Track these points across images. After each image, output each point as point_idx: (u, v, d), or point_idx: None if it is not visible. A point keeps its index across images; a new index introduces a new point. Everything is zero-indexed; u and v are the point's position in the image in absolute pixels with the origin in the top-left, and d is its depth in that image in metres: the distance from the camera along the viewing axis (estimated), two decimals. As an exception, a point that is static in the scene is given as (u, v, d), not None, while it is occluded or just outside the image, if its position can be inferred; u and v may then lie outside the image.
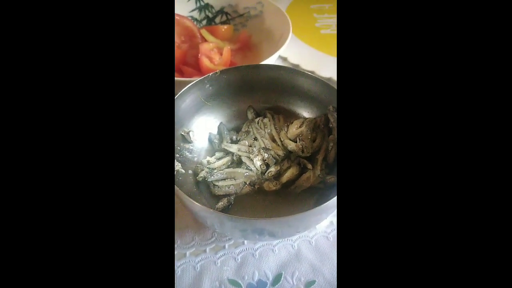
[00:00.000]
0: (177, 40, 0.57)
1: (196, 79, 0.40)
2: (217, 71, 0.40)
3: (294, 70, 0.41)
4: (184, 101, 0.39)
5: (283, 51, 0.54)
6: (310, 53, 0.61)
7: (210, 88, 0.41)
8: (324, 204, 0.28)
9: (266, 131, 0.41)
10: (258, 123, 0.42)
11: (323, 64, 0.57)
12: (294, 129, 0.40)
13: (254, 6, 0.62)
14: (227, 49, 0.50)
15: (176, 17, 0.57)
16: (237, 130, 0.44)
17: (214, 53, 0.52)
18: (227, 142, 0.42)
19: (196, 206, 0.28)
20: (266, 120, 0.42)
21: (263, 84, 0.43)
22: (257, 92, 0.44)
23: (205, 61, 0.48)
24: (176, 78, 0.43)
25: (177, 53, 0.52)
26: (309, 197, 0.36)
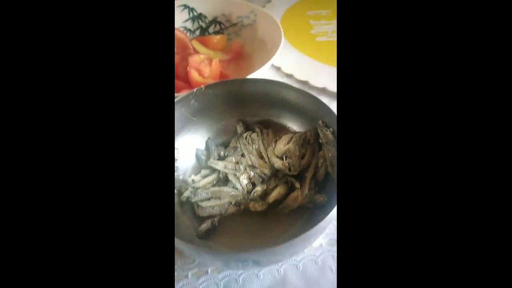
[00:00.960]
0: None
1: (180, 94, 0.39)
2: (202, 86, 0.39)
3: (282, 84, 0.40)
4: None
5: (276, 60, 0.53)
6: (304, 61, 0.59)
7: (196, 103, 0.40)
8: (312, 229, 0.27)
9: (253, 147, 0.40)
10: (246, 138, 0.41)
11: (317, 73, 0.56)
12: (281, 145, 0.38)
13: (247, 15, 0.61)
14: (215, 61, 0.49)
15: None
16: (226, 145, 0.42)
17: (205, 65, 0.51)
18: (214, 158, 0.40)
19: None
20: (254, 135, 0.41)
21: (252, 98, 0.42)
22: (246, 105, 0.42)
23: (194, 75, 0.47)
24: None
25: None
26: (298, 218, 0.35)
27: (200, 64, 0.50)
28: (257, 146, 0.40)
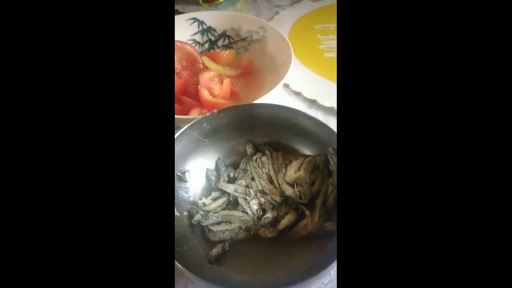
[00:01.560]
0: (178, 66, 0.57)
1: (194, 117, 0.39)
2: (215, 110, 0.39)
3: (293, 110, 0.40)
4: (180, 142, 0.38)
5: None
6: (312, 79, 0.60)
7: (208, 126, 0.41)
8: (326, 268, 0.27)
9: (263, 170, 0.40)
10: (256, 161, 0.41)
11: (325, 92, 0.56)
12: (292, 172, 0.39)
13: (256, 31, 0.62)
14: (226, 81, 0.50)
15: (177, 43, 0.57)
16: (235, 165, 0.43)
17: (215, 83, 0.51)
18: (224, 179, 0.41)
19: (180, 267, 0.27)
20: (264, 158, 0.41)
21: (262, 120, 0.42)
22: (256, 127, 0.43)
23: (204, 94, 0.48)
24: (177, 116, 0.42)
25: (177, 82, 0.51)
26: (308, 245, 0.35)
27: (211, 82, 0.50)
28: (267, 170, 0.40)
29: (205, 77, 0.50)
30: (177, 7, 0.85)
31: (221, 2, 0.85)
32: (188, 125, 0.38)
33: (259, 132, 0.43)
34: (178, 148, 0.38)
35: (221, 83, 0.52)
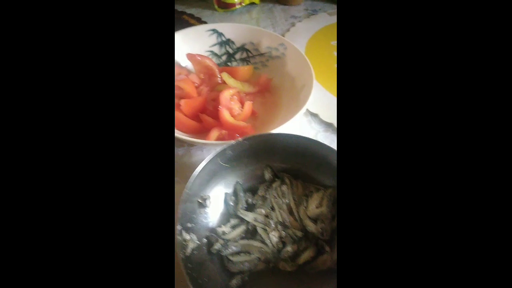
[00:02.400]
0: (196, 79, 0.56)
1: (217, 143, 0.39)
2: (240, 138, 0.39)
3: (314, 141, 0.40)
4: (204, 170, 0.38)
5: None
6: (329, 100, 0.60)
7: (231, 153, 0.40)
8: None
9: (283, 201, 0.41)
10: (275, 189, 0.41)
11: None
12: (314, 206, 0.39)
13: (276, 47, 0.61)
14: (248, 104, 0.49)
15: (197, 57, 0.56)
16: (254, 190, 0.43)
17: (235, 102, 0.51)
18: (242, 205, 0.41)
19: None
20: (284, 187, 0.41)
21: (282, 148, 0.42)
22: (276, 153, 0.43)
23: (225, 115, 0.47)
24: (199, 140, 0.42)
25: (197, 100, 0.51)
26: (326, 281, 0.36)
27: (230, 102, 0.50)
28: (287, 201, 0.40)
29: (225, 96, 0.50)
30: (191, 11, 0.84)
31: (236, 8, 0.84)
32: (213, 154, 0.38)
33: (278, 158, 0.44)
34: (201, 175, 0.38)
35: (240, 100, 0.52)
